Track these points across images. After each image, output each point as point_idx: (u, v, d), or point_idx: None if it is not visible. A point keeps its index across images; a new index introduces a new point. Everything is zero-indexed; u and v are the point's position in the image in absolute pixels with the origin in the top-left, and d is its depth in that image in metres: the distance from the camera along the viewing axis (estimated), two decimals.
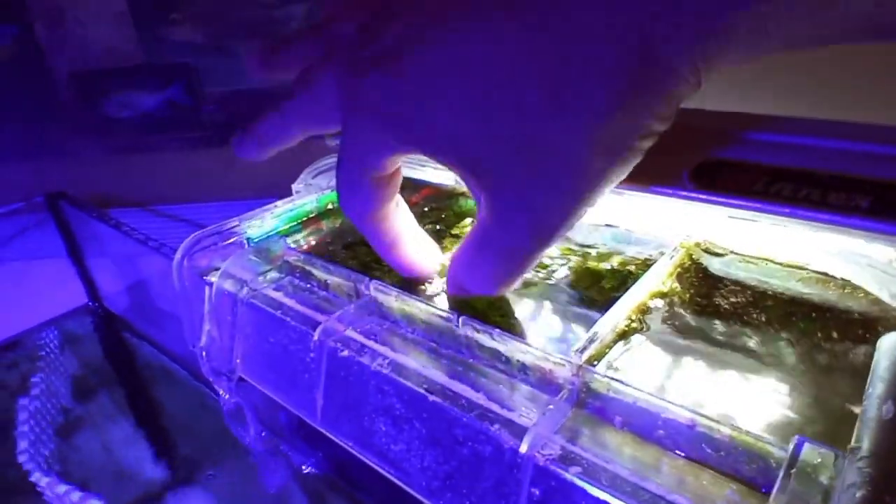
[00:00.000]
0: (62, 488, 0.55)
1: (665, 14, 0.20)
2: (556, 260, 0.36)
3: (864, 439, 0.19)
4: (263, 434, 0.51)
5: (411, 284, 0.35)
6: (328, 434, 0.34)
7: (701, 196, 0.24)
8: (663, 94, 0.22)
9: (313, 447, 0.50)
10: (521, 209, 0.26)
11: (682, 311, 0.31)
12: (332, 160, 0.49)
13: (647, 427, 0.24)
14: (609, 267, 0.35)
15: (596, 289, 0.33)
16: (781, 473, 0.19)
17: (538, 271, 0.35)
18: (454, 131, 0.26)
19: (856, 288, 0.27)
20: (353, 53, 0.29)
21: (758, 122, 0.25)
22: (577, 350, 0.26)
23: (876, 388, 0.21)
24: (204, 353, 0.43)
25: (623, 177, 0.25)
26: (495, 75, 0.24)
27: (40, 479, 0.56)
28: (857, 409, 0.22)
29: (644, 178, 0.26)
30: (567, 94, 0.22)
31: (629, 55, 0.21)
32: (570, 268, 0.35)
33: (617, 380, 0.24)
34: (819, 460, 0.19)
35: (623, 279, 0.33)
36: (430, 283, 0.35)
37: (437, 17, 0.25)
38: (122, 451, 0.60)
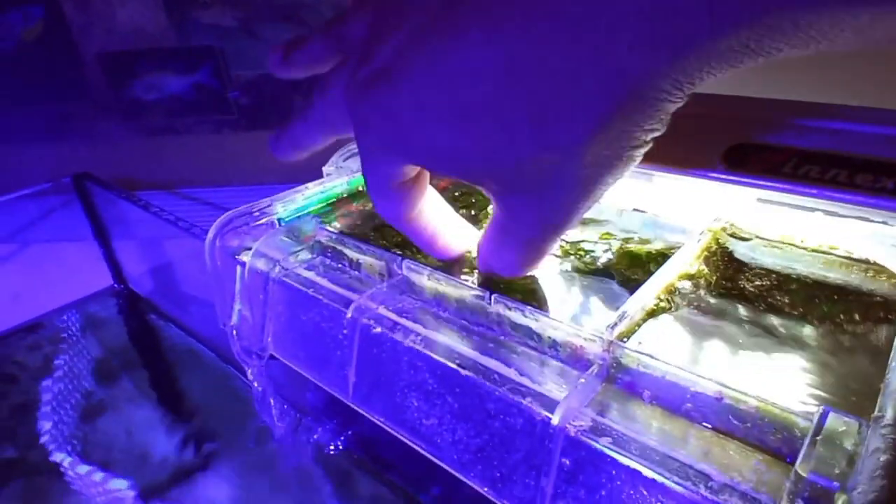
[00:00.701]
0: (84, 469, 0.56)
1: (640, 46, 0.20)
2: (598, 244, 0.37)
3: (887, 408, 0.19)
4: (289, 414, 0.52)
5: (444, 264, 0.36)
6: (360, 410, 0.35)
7: (732, 178, 0.24)
8: (650, 112, 0.22)
9: (339, 427, 0.51)
10: (527, 209, 0.27)
11: (708, 292, 0.32)
12: None
13: (676, 400, 0.24)
14: (638, 251, 0.36)
15: (627, 271, 0.34)
16: (807, 440, 0.20)
17: (573, 254, 0.36)
18: (452, 145, 0.26)
19: (879, 271, 0.28)
20: (356, 67, 0.29)
21: (787, 107, 0.26)
22: (608, 326, 0.26)
23: None
24: (235, 332, 0.44)
25: (622, 177, 0.26)
26: (484, 94, 0.24)
27: (63, 460, 0.57)
28: (879, 385, 0.22)
29: (677, 162, 0.27)
30: (554, 118, 0.23)
31: (612, 82, 0.21)
32: (605, 252, 0.36)
33: (647, 354, 0.25)
34: (844, 428, 0.20)
35: (649, 263, 0.34)
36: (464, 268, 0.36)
37: (434, 26, 0.25)
38: (146, 433, 0.60)
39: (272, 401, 0.51)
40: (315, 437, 0.52)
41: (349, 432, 0.51)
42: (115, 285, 0.82)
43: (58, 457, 0.57)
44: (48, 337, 0.75)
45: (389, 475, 0.48)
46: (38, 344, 0.74)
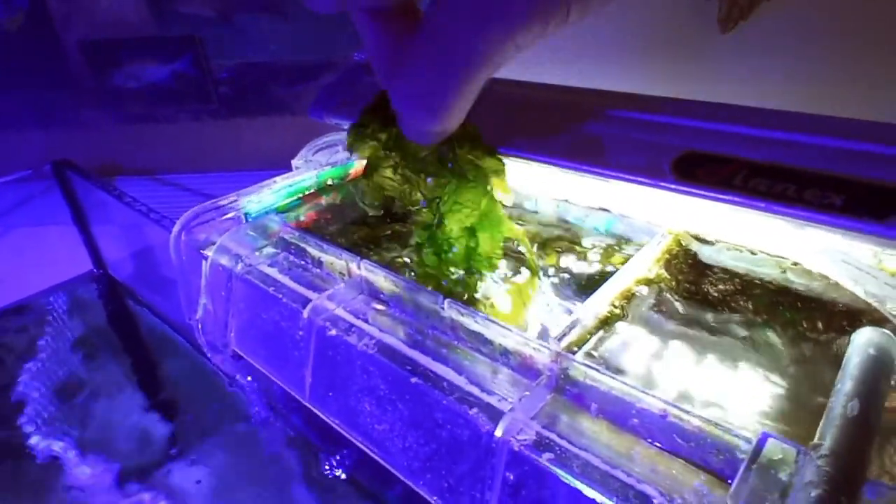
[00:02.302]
0: (63, 448, 0.56)
1: None
2: (552, 244, 0.37)
3: (826, 436, 0.19)
4: (260, 402, 0.52)
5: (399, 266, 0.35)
6: (316, 411, 0.35)
7: (681, 188, 0.24)
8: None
9: (309, 416, 0.51)
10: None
11: (667, 297, 0.31)
12: (331, 137, 0.49)
13: (622, 415, 0.24)
14: (600, 251, 0.35)
15: (587, 274, 0.33)
16: (742, 468, 0.19)
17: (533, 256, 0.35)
18: None
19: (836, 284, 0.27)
20: None
21: (739, 113, 0.25)
22: (556, 337, 0.26)
23: (844, 384, 0.21)
24: (200, 326, 0.43)
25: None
26: None
27: (43, 443, 0.57)
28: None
29: (627, 168, 0.26)
30: None
31: None
32: (560, 251, 0.36)
33: (594, 368, 0.24)
34: (780, 456, 0.19)
35: (612, 265, 0.33)
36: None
37: None
38: (125, 416, 0.61)
39: (245, 388, 0.51)
40: (288, 426, 0.52)
41: (320, 422, 0.51)
42: (95, 270, 0.81)
43: (35, 439, 0.58)
44: (29, 321, 0.75)
45: (357, 470, 0.48)
46: (22, 327, 0.74)
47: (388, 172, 0.32)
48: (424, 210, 0.33)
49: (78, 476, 0.54)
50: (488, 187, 0.31)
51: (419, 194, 0.32)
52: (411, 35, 0.26)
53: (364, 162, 0.35)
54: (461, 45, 0.24)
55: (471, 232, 0.32)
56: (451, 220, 0.32)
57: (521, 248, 0.34)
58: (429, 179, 0.31)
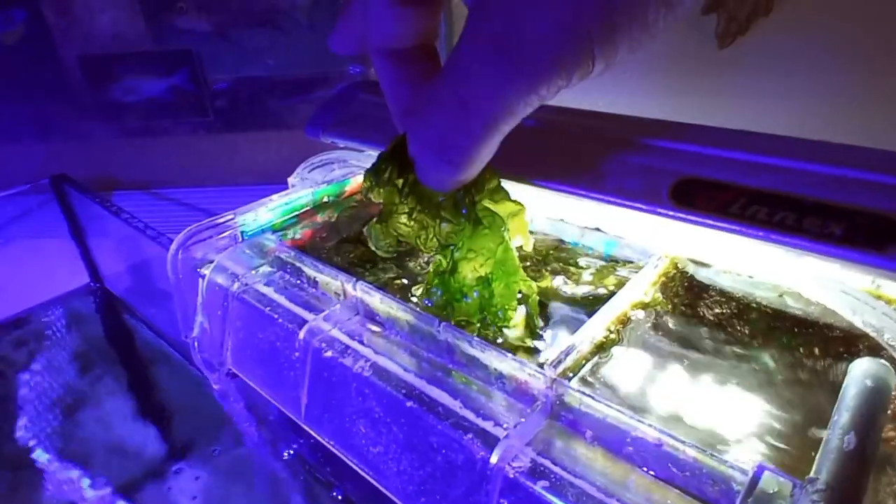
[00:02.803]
0: (57, 465, 0.56)
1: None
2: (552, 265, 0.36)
3: (822, 470, 0.19)
4: (254, 420, 0.52)
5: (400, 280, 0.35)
6: (311, 432, 0.35)
7: (678, 215, 0.24)
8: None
9: (302, 435, 0.51)
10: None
11: (663, 321, 0.31)
12: (326, 155, 0.49)
13: (617, 443, 0.24)
14: (596, 273, 0.35)
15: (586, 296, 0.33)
16: (738, 500, 0.19)
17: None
18: None
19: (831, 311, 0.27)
20: None
21: (738, 140, 0.25)
22: (551, 363, 0.26)
23: (841, 416, 0.21)
24: (196, 344, 0.43)
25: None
26: None
27: (40, 456, 0.57)
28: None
29: (625, 193, 0.26)
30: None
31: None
32: (559, 273, 0.35)
33: (588, 395, 0.24)
34: (777, 489, 0.19)
35: (609, 287, 0.33)
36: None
37: None
38: (121, 429, 0.61)
39: (238, 406, 0.50)
40: (279, 443, 0.52)
41: (312, 441, 0.50)
42: (92, 284, 0.82)
43: (35, 453, 0.58)
44: (30, 333, 0.75)
45: (348, 486, 0.48)
46: (18, 340, 0.75)
47: (404, 218, 0.31)
48: (438, 256, 0.32)
49: (73, 489, 0.55)
50: (505, 234, 0.31)
51: (435, 241, 0.31)
52: (430, 80, 0.26)
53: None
54: (484, 97, 0.24)
55: (485, 282, 0.31)
56: (465, 268, 0.31)
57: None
58: (444, 224, 0.31)
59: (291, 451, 0.51)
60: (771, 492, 0.19)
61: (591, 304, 0.33)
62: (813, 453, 0.21)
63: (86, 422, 0.62)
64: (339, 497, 0.48)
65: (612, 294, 0.31)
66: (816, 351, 0.28)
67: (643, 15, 0.21)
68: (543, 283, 0.35)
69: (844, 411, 0.21)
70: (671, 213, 0.24)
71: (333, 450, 0.33)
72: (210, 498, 0.53)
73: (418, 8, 0.27)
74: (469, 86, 0.24)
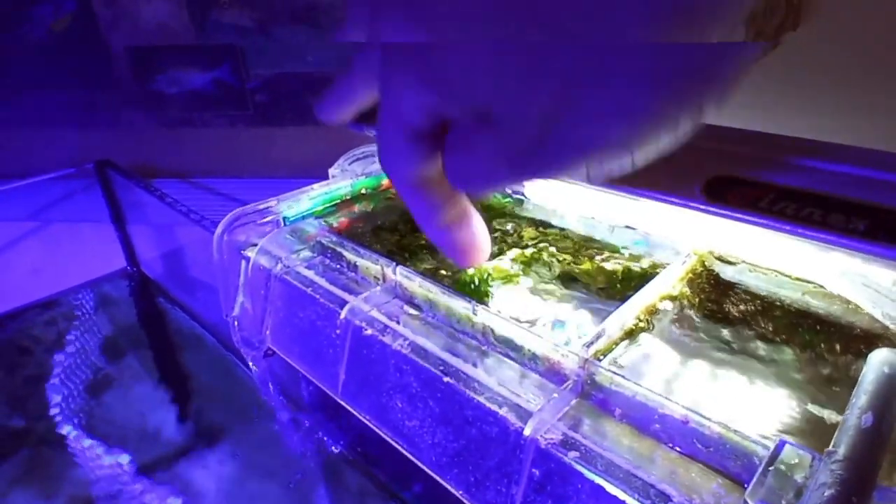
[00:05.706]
0: (88, 442, 0.58)
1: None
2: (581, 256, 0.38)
3: (840, 444, 0.20)
4: (286, 403, 0.54)
5: (436, 270, 0.37)
6: (347, 406, 0.36)
7: (710, 209, 0.25)
8: None
9: (334, 419, 0.52)
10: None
11: (689, 314, 0.32)
12: (367, 148, 0.50)
13: (645, 420, 0.25)
14: (627, 267, 0.36)
15: (613, 287, 0.35)
16: (760, 469, 0.20)
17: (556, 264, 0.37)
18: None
19: (856, 309, 0.29)
20: None
21: (768, 141, 0.26)
22: (584, 344, 0.27)
23: (860, 398, 0.22)
24: (236, 323, 0.45)
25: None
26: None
27: (70, 433, 0.59)
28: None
29: (658, 189, 0.27)
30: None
31: None
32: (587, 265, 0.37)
33: (619, 374, 0.26)
34: (797, 461, 0.20)
35: (637, 280, 0.35)
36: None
37: None
38: (149, 411, 0.62)
39: (271, 387, 0.52)
40: (311, 426, 0.54)
41: (343, 423, 0.52)
42: (129, 267, 0.84)
43: (64, 429, 0.59)
44: (63, 313, 0.77)
45: (376, 470, 0.50)
46: (54, 319, 0.76)
47: None
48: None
49: (102, 467, 0.56)
50: None
51: None
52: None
53: None
54: None
55: None
56: None
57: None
58: None
59: (320, 433, 0.53)
60: (792, 462, 0.20)
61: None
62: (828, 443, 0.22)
63: (117, 401, 0.63)
64: (367, 477, 0.49)
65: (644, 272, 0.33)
66: (837, 347, 0.29)
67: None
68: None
69: (862, 394, 0.22)
70: (703, 207, 0.26)
71: (368, 423, 0.35)
72: (238, 478, 0.54)
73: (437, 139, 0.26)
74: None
